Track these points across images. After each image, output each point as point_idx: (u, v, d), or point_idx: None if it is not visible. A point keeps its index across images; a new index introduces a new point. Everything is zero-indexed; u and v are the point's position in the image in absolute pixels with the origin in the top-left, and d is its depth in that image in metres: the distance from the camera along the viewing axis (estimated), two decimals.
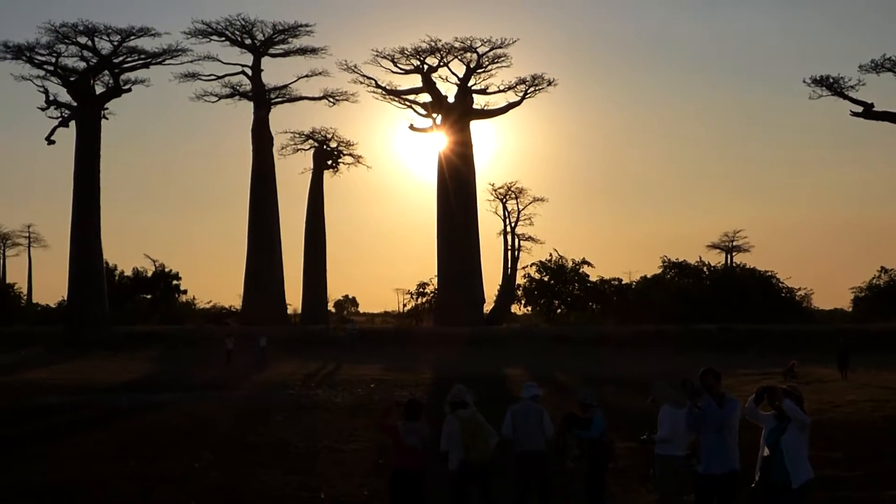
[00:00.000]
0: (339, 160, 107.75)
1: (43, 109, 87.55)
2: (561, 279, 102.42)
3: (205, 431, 29.44)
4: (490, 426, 15.87)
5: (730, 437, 13.40)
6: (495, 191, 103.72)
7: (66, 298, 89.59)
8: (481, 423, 15.81)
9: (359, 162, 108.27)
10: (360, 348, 70.89)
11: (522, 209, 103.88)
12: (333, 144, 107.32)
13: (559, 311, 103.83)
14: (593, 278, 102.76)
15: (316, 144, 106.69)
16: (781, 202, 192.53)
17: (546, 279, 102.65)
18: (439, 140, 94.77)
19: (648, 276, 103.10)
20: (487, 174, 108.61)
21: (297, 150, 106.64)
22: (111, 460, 23.68)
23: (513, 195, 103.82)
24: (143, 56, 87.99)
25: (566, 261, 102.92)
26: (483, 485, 15.80)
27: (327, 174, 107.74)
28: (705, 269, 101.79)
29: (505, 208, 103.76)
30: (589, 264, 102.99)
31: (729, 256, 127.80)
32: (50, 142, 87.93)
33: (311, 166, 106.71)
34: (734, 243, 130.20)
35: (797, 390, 13.31)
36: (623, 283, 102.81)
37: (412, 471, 15.07)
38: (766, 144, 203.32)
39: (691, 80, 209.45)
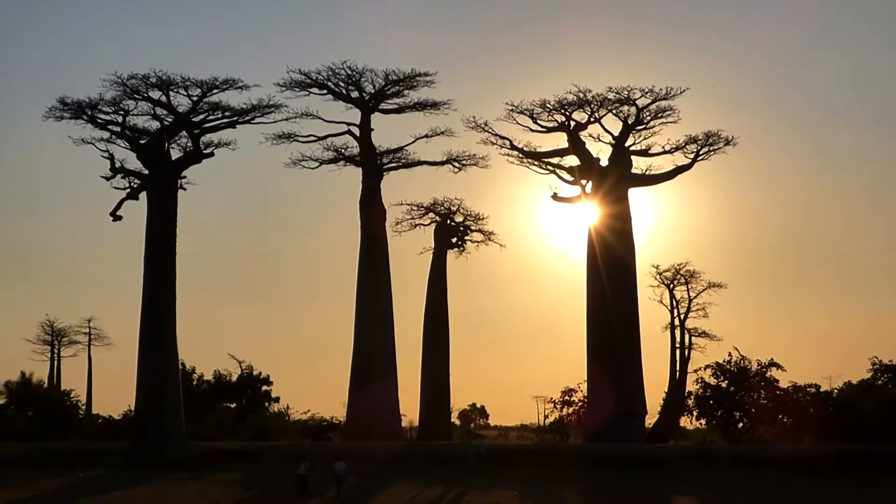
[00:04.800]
0: (466, 237, 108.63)
1: (108, 179, 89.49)
2: (743, 385, 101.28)
3: None
4: None
5: None
6: (660, 274, 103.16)
7: (132, 409, 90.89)
8: None
9: (490, 240, 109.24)
10: (486, 468, 70.70)
11: (694, 297, 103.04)
12: (459, 219, 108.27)
13: (741, 425, 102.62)
14: (784, 384, 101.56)
15: (438, 219, 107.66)
16: None
17: (724, 385, 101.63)
18: (590, 212, 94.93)
19: (854, 381, 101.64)
20: (650, 254, 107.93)
21: (416, 225, 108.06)
22: None
23: (682, 280, 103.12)
24: (227, 113, 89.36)
25: (749, 362, 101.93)
26: None
27: (451, 254, 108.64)
28: None
29: (672, 296, 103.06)
30: (779, 367, 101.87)
31: None
32: (116, 217, 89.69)
33: (432, 245, 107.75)
34: None
35: None
36: (822, 390, 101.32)
37: None
38: None
39: None
